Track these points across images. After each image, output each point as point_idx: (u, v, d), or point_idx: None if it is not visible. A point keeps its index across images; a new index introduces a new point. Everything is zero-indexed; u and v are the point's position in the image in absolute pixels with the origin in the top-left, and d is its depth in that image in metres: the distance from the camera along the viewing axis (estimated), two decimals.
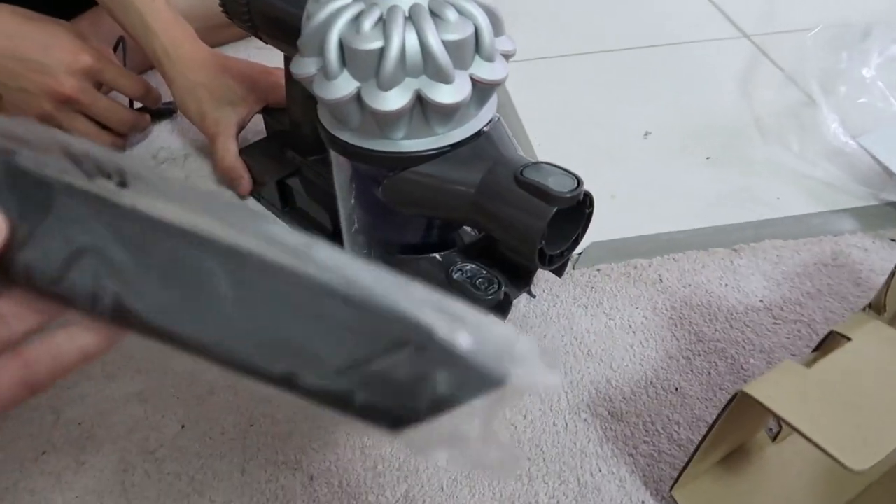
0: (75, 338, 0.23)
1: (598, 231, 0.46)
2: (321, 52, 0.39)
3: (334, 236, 0.59)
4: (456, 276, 0.46)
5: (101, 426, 0.46)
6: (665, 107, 0.75)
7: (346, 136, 0.42)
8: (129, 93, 0.68)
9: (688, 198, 0.63)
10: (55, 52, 0.61)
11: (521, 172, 0.41)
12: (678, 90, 0.78)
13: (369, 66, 0.37)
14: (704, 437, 0.38)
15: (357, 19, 0.38)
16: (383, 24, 0.37)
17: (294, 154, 0.63)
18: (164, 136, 0.75)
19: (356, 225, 0.54)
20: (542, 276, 0.56)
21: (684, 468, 0.40)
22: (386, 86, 0.37)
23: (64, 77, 0.61)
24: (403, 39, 0.37)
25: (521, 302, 0.54)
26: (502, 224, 0.41)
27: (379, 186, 0.45)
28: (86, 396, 0.48)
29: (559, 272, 0.50)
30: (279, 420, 0.46)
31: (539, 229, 0.39)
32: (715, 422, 0.37)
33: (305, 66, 0.40)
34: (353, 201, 0.50)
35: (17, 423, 0.47)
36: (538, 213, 0.39)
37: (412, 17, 0.37)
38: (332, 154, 0.48)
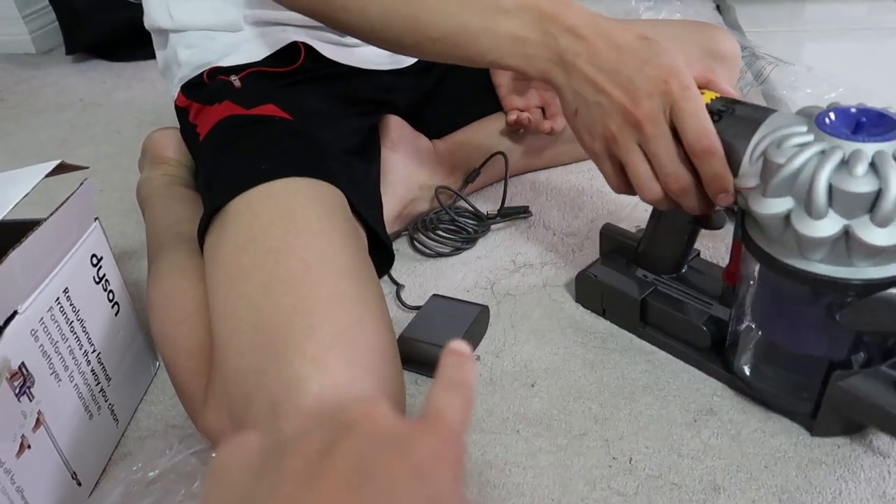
0: None
1: None
2: (796, 192, 0.44)
3: (710, 349, 0.62)
4: None
5: None
6: None
7: (802, 265, 0.46)
8: (689, 142, 0.50)
9: None
10: (649, 70, 0.51)
11: None
12: None
13: (861, 206, 0.41)
14: None
15: (844, 164, 0.42)
16: (872, 167, 0.41)
17: (645, 272, 0.68)
18: (518, 240, 0.82)
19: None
20: None
21: None
22: (884, 223, 0.41)
23: (643, 98, 0.51)
24: None
25: None
26: None
27: (826, 309, 0.47)
28: None
29: None
30: None
31: None
32: None
33: (774, 206, 0.45)
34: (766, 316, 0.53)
35: None
36: None
37: None
38: (760, 277, 0.51)
